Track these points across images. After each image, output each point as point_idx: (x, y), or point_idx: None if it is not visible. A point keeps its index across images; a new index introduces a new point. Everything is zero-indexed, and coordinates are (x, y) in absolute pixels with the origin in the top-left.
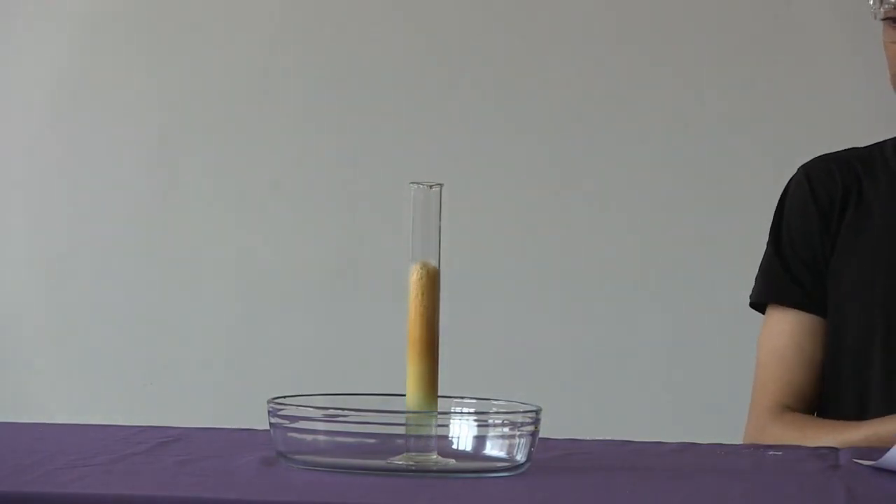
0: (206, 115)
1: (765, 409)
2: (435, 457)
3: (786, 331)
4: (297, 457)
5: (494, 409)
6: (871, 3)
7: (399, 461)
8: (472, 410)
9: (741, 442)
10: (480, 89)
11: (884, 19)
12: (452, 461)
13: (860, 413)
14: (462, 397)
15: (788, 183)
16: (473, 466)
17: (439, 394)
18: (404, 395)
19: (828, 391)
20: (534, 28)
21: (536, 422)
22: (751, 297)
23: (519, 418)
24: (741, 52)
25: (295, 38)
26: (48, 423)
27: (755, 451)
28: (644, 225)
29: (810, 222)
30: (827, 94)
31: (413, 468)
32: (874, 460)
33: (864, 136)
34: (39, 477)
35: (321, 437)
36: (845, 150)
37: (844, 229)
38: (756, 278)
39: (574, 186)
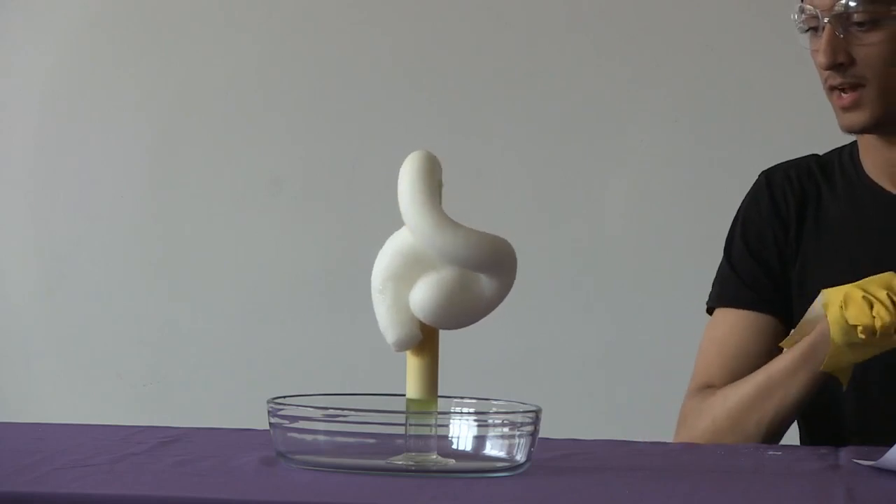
0: (206, 116)
1: (693, 390)
2: (435, 457)
3: (729, 321)
4: (297, 457)
5: (494, 409)
6: (794, 17)
7: (399, 461)
8: (472, 410)
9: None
10: (481, 89)
11: (805, 31)
12: (452, 461)
13: (834, 418)
14: (462, 397)
15: (749, 190)
16: (473, 466)
17: (439, 394)
18: (404, 395)
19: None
20: (533, 29)
21: (536, 422)
22: (707, 303)
23: (519, 418)
24: (741, 52)
25: (295, 39)
26: (48, 423)
27: (755, 450)
28: (644, 225)
29: (769, 226)
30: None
31: (413, 468)
32: (874, 460)
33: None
34: (39, 477)
35: (321, 437)
36: (806, 156)
37: (806, 236)
38: (713, 284)
39: (574, 186)
